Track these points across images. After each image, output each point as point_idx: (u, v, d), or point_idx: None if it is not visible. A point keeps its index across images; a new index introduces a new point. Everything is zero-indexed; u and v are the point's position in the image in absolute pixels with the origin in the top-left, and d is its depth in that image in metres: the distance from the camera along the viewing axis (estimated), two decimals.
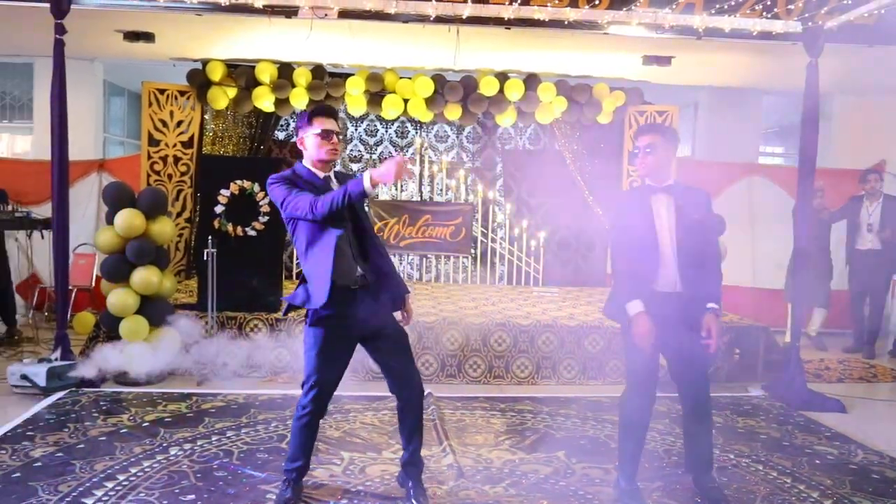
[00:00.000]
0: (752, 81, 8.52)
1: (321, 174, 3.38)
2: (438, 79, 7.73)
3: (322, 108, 3.46)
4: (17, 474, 3.66)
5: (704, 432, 3.55)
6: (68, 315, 5.76)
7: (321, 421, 3.47)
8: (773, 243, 7.57)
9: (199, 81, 7.62)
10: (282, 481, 3.47)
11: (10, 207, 6.49)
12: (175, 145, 7.73)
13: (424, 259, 8.62)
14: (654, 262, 3.40)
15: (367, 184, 3.03)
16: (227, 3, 5.43)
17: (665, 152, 3.43)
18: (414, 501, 3.45)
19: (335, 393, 3.40)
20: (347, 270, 3.28)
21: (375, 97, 7.73)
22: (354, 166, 8.72)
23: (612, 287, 3.64)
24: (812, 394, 5.48)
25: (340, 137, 3.42)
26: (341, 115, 8.54)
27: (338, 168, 8.70)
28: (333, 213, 3.13)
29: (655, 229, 3.41)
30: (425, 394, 3.60)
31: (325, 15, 5.51)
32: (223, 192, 5.90)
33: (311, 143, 3.38)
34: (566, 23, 5.58)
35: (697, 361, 3.46)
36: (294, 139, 8.40)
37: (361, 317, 3.31)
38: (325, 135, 3.35)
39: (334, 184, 3.42)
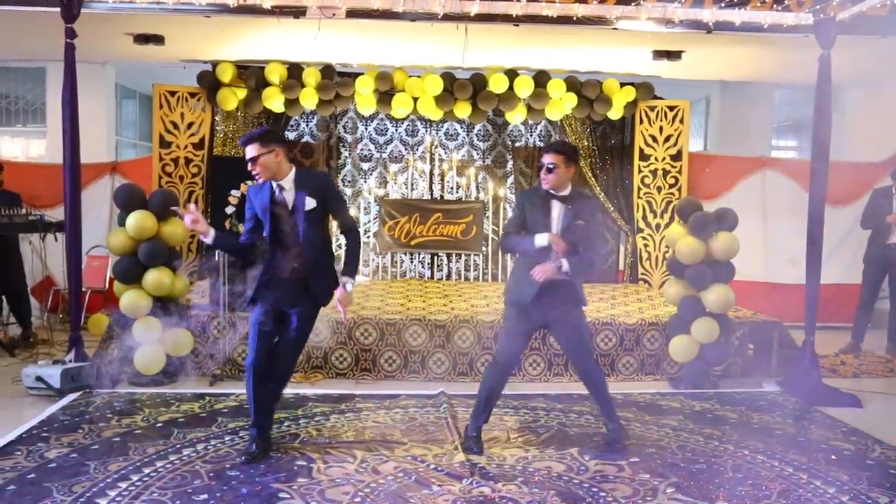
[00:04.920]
0: (764, 75, 8.45)
1: (275, 184, 3.87)
2: (447, 77, 7.71)
3: (242, 137, 3.85)
4: (32, 475, 3.69)
5: (601, 387, 4.26)
6: (82, 317, 5.80)
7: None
8: (787, 237, 7.44)
9: (210, 83, 7.65)
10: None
11: (24, 210, 6.53)
12: (186, 147, 7.75)
13: (436, 257, 8.62)
14: (546, 254, 4.14)
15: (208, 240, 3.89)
16: (236, 5, 5.45)
17: (567, 172, 4.10)
18: None
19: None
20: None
21: (385, 96, 7.73)
22: (365, 165, 8.71)
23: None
24: (828, 389, 5.44)
25: (267, 157, 3.83)
26: (351, 114, 8.53)
27: (347, 167, 8.71)
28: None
29: (551, 228, 4.16)
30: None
31: (333, 14, 5.52)
32: (234, 192, 5.94)
33: None
34: (574, 18, 5.55)
35: (583, 334, 4.24)
36: (304, 139, 8.51)
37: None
38: (248, 162, 3.80)
39: (288, 193, 3.86)
